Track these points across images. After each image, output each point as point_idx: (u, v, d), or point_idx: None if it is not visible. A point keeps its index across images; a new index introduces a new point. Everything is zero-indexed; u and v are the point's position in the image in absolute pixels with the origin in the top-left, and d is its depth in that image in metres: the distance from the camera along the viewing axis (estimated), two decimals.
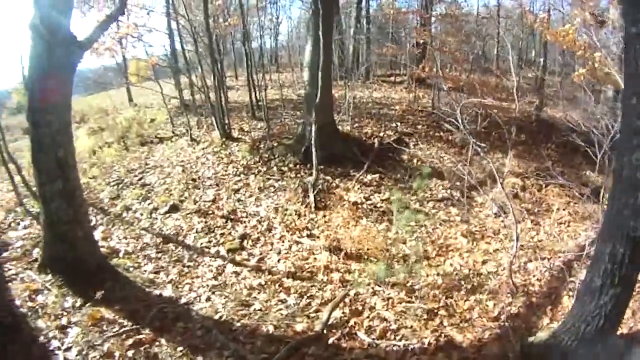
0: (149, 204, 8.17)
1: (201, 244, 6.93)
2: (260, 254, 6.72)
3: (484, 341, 4.62)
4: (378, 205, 8.40)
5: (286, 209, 7.98)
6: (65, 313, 4.91)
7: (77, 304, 5.05)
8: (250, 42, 15.46)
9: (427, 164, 10.06)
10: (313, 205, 8.06)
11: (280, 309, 5.31)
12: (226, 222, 7.53)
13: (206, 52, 11.68)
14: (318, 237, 7.16)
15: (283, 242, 7.07)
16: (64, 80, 5.22)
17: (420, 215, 7.68)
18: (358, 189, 8.84)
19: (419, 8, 17.45)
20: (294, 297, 5.58)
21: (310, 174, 9.02)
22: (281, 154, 9.91)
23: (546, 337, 4.17)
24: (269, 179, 9.01)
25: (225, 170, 9.34)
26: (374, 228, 7.47)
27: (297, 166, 9.56)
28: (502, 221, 7.63)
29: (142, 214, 7.81)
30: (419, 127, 12.28)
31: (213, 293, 5.67)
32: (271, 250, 6.84)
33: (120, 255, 6.48)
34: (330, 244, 6.78)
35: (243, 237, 7.11)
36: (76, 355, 4.30)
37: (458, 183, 8.81)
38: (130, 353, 4.35)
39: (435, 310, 5.14)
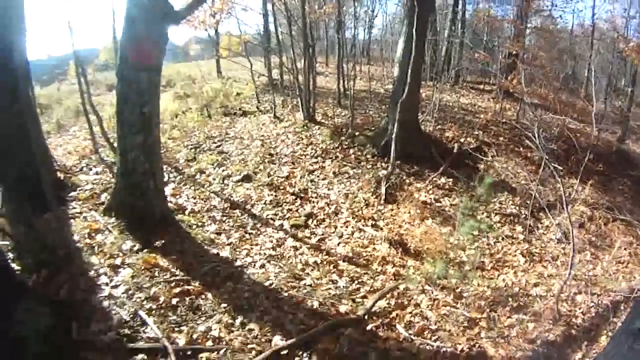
0: (222, 171, 8.33)
1: (267, 215, 6.94)
2: (323, 234, 6.65)
3: None
4: (446, 208, 8.08)
5: (356, 197, 7.86)
6: (120, 254, 5.06)
7: (135, 248, 5.20)
8: (344, 32, 15.41)
9: (502, 176, 9.61)
10: (383, 197, 7.89)
11: (329, 289, 5.21)
12: (295, 199, 7.51)
13: (299, 35, 11.78)
14: (381, 229, 6.99)
15: (347, 227, 6.95)
16: (157, 45, 5.40)
17: (484, 225, 7.30)
18: (430, 189, 8.56)
19: (514, 18, 16.49)
20: (345, 279, 5.47)
21: (386, 168, 8.88)
22: (360, 144, 9.79)
23: None
24: (344, 165, 8.91)
25: (304, 151, 9.35)
26: (437, 230, 7.18)
27: (374, 158, 9.40)
28: (563, 248, 7.20)
29: (214, 179, 7.93)
30: (501, 138, 11.70)
31: (268, 262, 5.65)
32: (334, 232, 6.75)
33: (186, 212, 6.62)
34: (392, 238, 6.59)
35: (309, 215, 7.07)
36: (122, 293, 4.41)
37: (528, 202, 8.27)
38: (174, 301, 4.40)
39: (477, 320, 4.89)
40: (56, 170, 7.06)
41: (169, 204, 6.52)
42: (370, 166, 9.05)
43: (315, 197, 7.63)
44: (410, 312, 4.92)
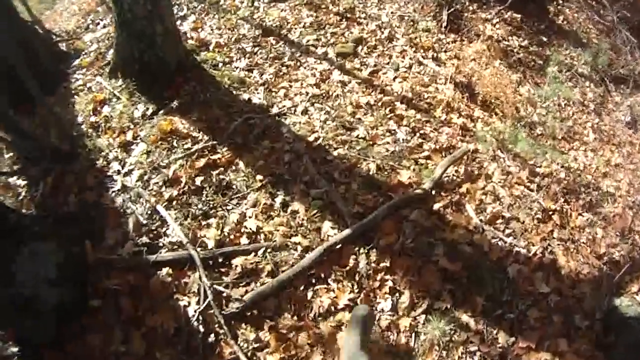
0: None
1: (307, 41, 5.57)
2: (375, 65, 5.36)
3: (580, 278, 3.64)
4: (515, 50, 6.52)
5: (412, 20, 6.29)
6: (132, 126, 4.10)
7: (148, 113, 4.18)
8: None
9: (573, 26, 7.71)
10: (445, 23, 6.31)
11: (387, 143, 4.28)
12: (340, 20, 6.00)
13: None
14: (444, 64, 5.68)
15: (404, 58, 5.59)
16: None
17: (557, 84, 5.73)
18: (496, 23, 6.84)
19: None
20: (404, 130, 4.48)
21: None
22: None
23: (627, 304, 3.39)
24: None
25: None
26: (506, 75, 5.88)
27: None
28: (631, 135, 6.03)
29: (242, 2, 6.40)
30: None
31: (312, 104, 4.60)
32: (388, 64, 5.44)
33: (211, 48, 5.33)
34: (457, 77, 5.39)
35: (358, 41, 5.66)
36: (136, 181, 3.54)
37: (600, 67, 6.72)
38: (199, 180, 3.50)
39: (550, 213, 4.05)
40: (55, 42, 5.69)
41: (190, 41, 5.28)
42: None
43: (365, 18, 6.09)
44: (482, 188, 4.01)
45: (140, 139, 4.02)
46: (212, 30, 5.77)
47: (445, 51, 5.93)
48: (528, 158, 4.62)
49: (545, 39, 7.01)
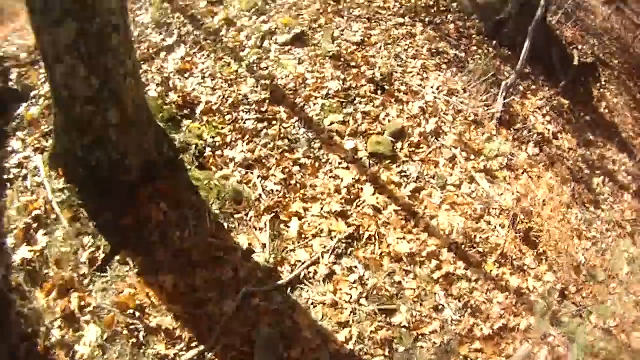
0: (263, 23, 4.88)
1: (331, 123, 3.95)
2: (418, 179, 3.87)
3: None
4: (565, 154, 5.13)
5: (461, 101, 4.73)
6: (77, 279, 2.61)
7: (99, 258, 2.73)
8: None
9: (614, 116, 6.42)
10: (498, 115, 4.78)
11: (434, 332, 3.02)
12: (375, 91, 4.36)
13: None
14: (496, 178, 4.26)
15: (452, 168, 4.10)
16: None
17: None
18: (547, 113, 5.38)
19: None
20: (454, 305, 3.20)
21: (499, 58, 5.59)
22: (464, 11, 5.99)
23: None
24: (441, 39, 5.41)
25: (385, 3, 5.61)
26: (560, 198, 4.53)
27: (481, 37, 5.82)
28: None
29: (249, 38, 4.62)
30: (616, 57, 7.70)
31: (338, 258, 3.17)
32: (434, 177, 3.94)
33: (198, 112, 3.72)
34: (514, 208, 4.00)
35: (397, 134, 4.05)
36: None
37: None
38: None
39: None
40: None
41: (171, 95, 3.71)
42: (475, 48, 5.60)
43: (405, 93, 4.46)
44: None
45: (91, 312, 2.42)
46: (203, 78, 4.05)
47: (497, 156, 4.47)
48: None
49: (591, 137, 5.71)
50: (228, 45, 4.47)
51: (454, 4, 5.90)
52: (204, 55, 4.33)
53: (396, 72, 4.58)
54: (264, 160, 3.51)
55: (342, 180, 3.55)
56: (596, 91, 6.50)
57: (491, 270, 3.49)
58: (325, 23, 4.93)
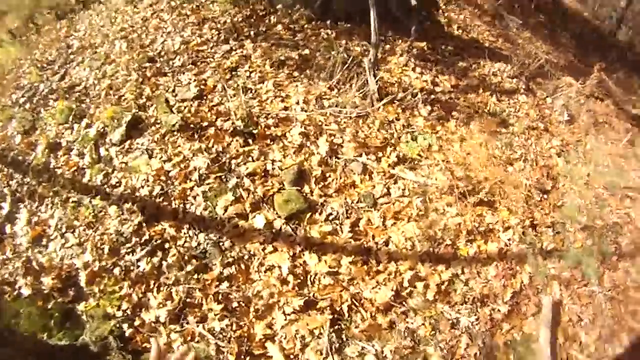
0: (86, 127, 4.02)
1: (225, 208, 3.22)
2: (347, 212, 3.32)
3: None
4: (452, 95, 4.85)
5: (337, 102, 4.16)
6: None
7: None
8: None
9: (469, 33, 6.40)
10: (377, 99, 4.26)
11: None
12: (246, 141, 3.68)
13: None
14: (422, 168, 3.80)
15: (371, 178, 3.59)
16: None
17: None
18: (415, 66, 5.00)
19: None
20: None
21: (342, 37, 5.05)
22: (284, 5, 5.30)
23: None
24: (275, 45, 4.77)
25: (200, 37, 4.83)
26: (476, 138, 4.36)
27: (314, 24, 5.22)
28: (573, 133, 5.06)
29: (80, 154, 3.75)
30: None
31: None
32: (363, 200, 3.42)
33: (83, 284, 2.96)
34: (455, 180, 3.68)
35: (299, 178, 3.43)
36: None
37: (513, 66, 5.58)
38: None
39: None
40: None
41: (44, 278, 2.99)
42: (313, 38, 5.01)
43: (276, 125, 3.80)
44: None
45: None
46: (63, 236, 3.32)
47: (399, 137, 4.00)
48: None
49: (463, 63, 5.47)
50: (65, 177, 3.53)
51: (271, 3, 5.23)
52: (47, 205, 3.40)
53: (253, 108, 3.87)
54: (189, 299, 2.70)
55: (279, 267, 2.85)
56: (442, 18, 6.28)
57: (467, 252, 3.22)
58: (152, 91, 4.11)
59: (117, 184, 3.44)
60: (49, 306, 2.82)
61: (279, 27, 4.97)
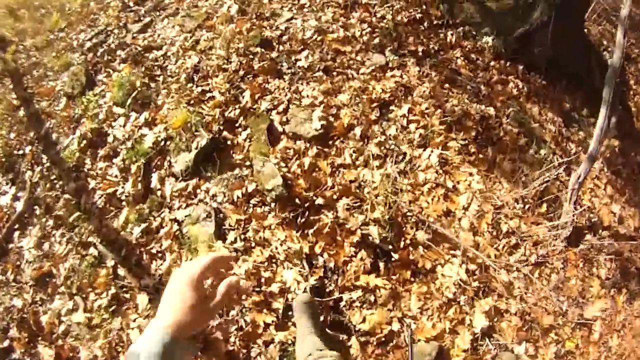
0: (145, 124, 2.60)
1: None
2: None
3: None
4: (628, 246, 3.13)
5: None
6: None
7: None
8: None
9: None
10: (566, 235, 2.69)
11: None
12: (372, 267, 2.17)
13: None
14: None
15: None
16: None
17: None
18: (607, 184, 3.31)
19: None
20: None
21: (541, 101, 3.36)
22: (468, 22, 3.42)
23: None
24: (452, 83, 3.04)
25: (345, 28, 3.02)
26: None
27: (502, 64, 3.38)
28: None
29: (125, 163, 2.48)
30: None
31: None
32: None
33: None
34: None
35: None
36: None
37: None
38: None
39: None
40: None
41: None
42: (502, 93, 3.20)
43: (426, 253, 2.27)
44: None
45: None
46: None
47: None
48: None
49: None
50: (94, 204, 2.07)
51: (454, 11, 3.44)
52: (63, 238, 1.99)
53: (402, 200, 2.27)
54: None
55: None
56: (631, 103, 4.38)
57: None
58: (252, 101, 2.59)
59: (159, 255, 1.92)
60: None
61: (457, 51, 3.23)
